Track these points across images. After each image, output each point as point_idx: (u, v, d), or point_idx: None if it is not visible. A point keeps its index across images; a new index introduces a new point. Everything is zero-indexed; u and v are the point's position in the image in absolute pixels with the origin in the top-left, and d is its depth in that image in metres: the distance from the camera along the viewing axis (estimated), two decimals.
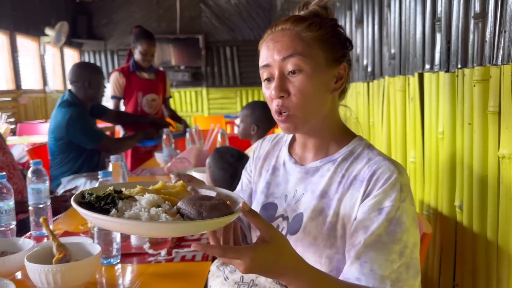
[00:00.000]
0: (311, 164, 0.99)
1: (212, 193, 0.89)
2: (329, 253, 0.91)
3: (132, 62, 3.42)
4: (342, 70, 0.95)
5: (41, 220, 1.20)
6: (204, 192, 0.91)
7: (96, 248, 1.16)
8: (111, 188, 0.82)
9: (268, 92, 0.94)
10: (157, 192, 0.85)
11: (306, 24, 0.92)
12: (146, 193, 0.82)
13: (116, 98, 3.45)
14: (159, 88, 3.56)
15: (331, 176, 0.95)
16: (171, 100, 5.43)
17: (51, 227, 1.58)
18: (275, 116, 0.95)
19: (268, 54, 0.93)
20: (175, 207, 0.78)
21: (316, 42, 0.91)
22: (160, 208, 0.75)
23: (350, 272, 0.86)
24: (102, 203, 0.78)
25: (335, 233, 0.91)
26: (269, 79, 0.94)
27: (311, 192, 0.97)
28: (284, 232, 0.99)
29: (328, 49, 0.92)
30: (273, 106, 0.93)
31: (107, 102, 4.32)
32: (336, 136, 0.99)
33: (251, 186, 1.15)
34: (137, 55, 3.38)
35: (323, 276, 0.83)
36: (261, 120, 2.36)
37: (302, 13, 0.98)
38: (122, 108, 3.55)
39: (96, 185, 1.27)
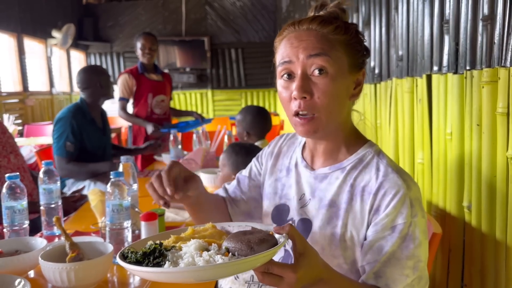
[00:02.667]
0: (320, 170, 0.99)
1: (247, 228, 0.87)
2: (336, 263, 0.92)
3: (139, 64, 3.50)
4: (361, 76, 0.95)
5: (54, 219, 1.22)
6: (237, 228, 0.88)
7: (108, 247, 1.18)
8: (151, 242, 0.80)
9: (287, 92, 0.91)
10: (192, 238, 0.83)
11: (333, 27, 0.90)
12: (183, 241, 0.81)
13: (124, 99, 3.49)
14: (167, 89, 3.64)
15: (340, 185, 0.94)
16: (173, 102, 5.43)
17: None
18: (292, 118, 0.92)
19: (292, 52, 0.89)
20: (223, 247, 0.77)
21: (342, 46, 0.90)
22: (211, 251, 0.74)
23: (367, 282, 0.88)
24: (151, 258, 0.75)
25: (343, 244, 0.92)
26: (289, 76, 0.90)
27: (319, 199, 0.96)
28: None
29: (352, 54, 0.91)
30: (291, 106, 0.90)
31: (113, 104, 4.33)
32: (347, 142, 0.98)
33: (260, 179, 1.14)
34: (138, 53, 3.50)
35: (347, 280, 0.86)
36: (250, 127, 2.38)
37: (321, 13, 0.96)
38: (130, 109, 3.58)
39: (109, 187, 1.28)
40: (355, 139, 0.99)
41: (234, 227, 0.89)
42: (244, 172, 1.18)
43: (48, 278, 1.09)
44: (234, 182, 1.18)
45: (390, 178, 0.89)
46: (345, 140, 0.98)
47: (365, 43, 0.97)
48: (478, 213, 1.32)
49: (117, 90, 3.54)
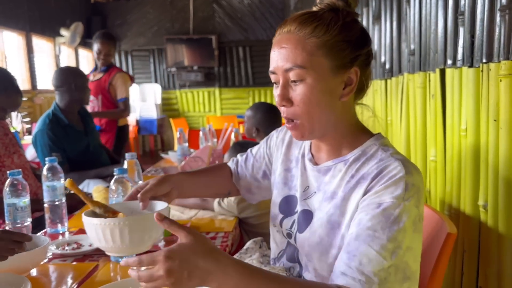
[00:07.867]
0: (324, 164, 0.98)
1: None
2: (335, 253, 0.90)
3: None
4: (352, 74, 0.90)
5: (66, 182, 1.06)
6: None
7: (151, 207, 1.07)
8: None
9: (275, 97, 0.94)
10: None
11: (311, 28, 0.87)
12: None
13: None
14: (101, 86, 3.63)
15: (342, 177, 0.93)
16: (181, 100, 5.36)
17: (66, 224, 1.57)
18: (285, 121, 0.95)
19: (273, 61, 0.91)
20: None
21: (321, 49, 0.86)
22: None
23: (337, 264, 0.82)
24: None
25: (341, 232, 0.90)
26: (276, 83, 0.93)
27: (323, 192, 0.96)
28: (295, 227, 1.00)
29: (334, 56, 0.87)
30: (281, 111, 0.93)
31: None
32: (349, 138, 0.95)
33: (262, 162, 1.17)
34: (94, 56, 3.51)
35: (255, 272, 0.76)
36: (261, 124, 2.38)
37: (315, 8, 0.92)
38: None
39: (112, 184, 1.25)
40: (358, 134, 0.96)
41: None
42: (253, 151, 1.22)
43: (93, 237, 0.97)
44: (245, 156, 1.24)
45: (391, 165, 0.86)
46: (347, 136, 0.96)
47: (357, 33, 0.89)
48: (494, 212, 1.27)
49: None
